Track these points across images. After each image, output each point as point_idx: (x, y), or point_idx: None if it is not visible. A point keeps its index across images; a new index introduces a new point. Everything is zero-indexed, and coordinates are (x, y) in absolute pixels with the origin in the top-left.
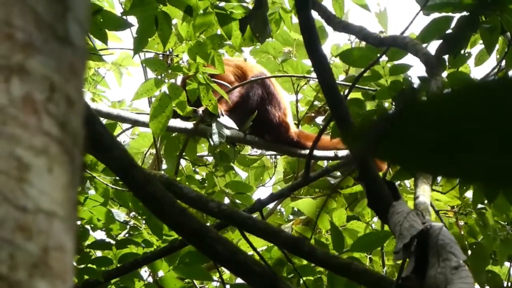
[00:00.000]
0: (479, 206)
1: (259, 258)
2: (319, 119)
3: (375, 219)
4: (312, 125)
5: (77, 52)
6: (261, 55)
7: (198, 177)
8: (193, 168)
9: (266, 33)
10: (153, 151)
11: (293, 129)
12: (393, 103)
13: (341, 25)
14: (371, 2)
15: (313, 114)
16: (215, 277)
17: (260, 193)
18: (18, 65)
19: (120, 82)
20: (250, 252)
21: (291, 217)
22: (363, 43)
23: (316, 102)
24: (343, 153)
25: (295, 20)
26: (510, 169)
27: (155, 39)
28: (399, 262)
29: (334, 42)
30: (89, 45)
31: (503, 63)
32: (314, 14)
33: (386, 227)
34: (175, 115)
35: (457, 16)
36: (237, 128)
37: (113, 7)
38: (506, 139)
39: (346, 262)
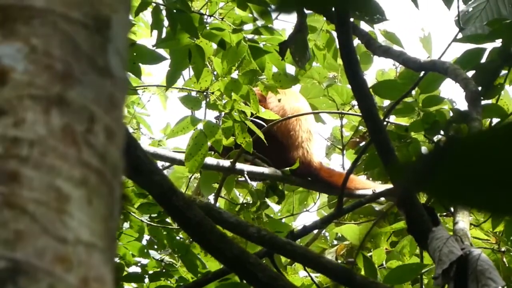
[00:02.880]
0: None
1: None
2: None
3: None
4: (356, 150)
5: (117, 83)
6: (306, 80)
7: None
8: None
9: (306, 58)
10: (198, 175)
11: (316, 163)
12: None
13: (381, 50)
14: (416, 27)
15: (357, 139)
16: None
17: (304, 218)
18: (57, 96)
19: (165, 106)
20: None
21: (335, 242)
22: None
23: (360, 127)
24: (380, 190)
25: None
26: None
27: (192, 78)
28: None
29: (379, 67)
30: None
31: None
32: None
33: (425, 261)
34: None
35: (490, 47)
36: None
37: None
38: None
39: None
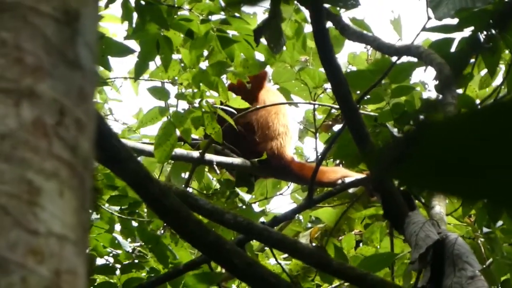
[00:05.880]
0: (486, 230)
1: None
2: (337, 127)
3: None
4: (329, 133)
5: (86, 75)
6: (278, 65)
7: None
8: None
9: (281, 44)
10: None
11: (288, 157)
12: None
13: (355, 35)
14: (385, 9)
15: (330, 123)
16: (234, 285)
17: (278, 201)
18: (28, 89)
19: (137, 91)
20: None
21: (309, 225)
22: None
23: (333, 111)
24: (350, 180)
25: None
26: None
27: (160, 67)
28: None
29: (351, 50)
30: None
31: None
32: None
33: (396, 249)
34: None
35: (458, 37)
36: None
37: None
38: None
39: (362, 273)
